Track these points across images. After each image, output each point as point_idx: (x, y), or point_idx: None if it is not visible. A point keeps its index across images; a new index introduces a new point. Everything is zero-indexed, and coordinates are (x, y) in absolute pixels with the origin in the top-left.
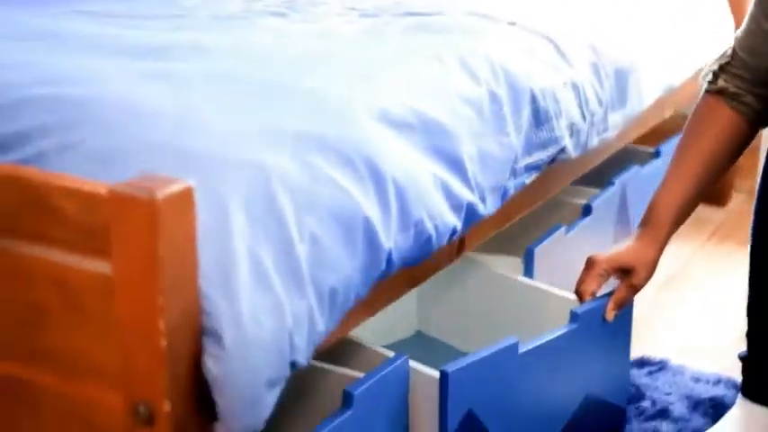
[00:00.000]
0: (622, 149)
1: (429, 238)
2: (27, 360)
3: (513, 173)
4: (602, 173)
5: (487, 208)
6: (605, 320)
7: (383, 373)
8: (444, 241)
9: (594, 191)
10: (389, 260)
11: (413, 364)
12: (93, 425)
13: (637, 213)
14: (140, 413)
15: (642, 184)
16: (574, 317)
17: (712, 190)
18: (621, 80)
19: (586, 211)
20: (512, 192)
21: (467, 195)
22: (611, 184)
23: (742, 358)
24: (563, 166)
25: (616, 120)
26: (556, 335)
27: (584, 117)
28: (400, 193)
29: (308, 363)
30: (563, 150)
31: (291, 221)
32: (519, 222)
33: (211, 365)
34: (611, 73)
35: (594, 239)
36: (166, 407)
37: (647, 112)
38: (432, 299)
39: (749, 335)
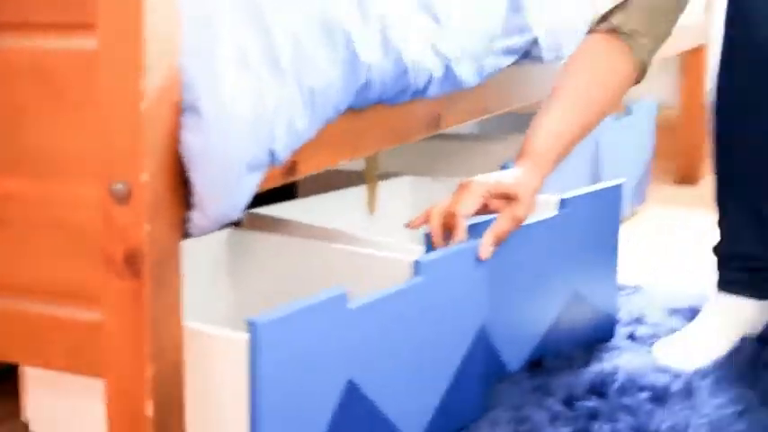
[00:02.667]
0: None
1: (406, 71)
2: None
3: (491, 50)
4: None
5: (464, 75)
6: (479, 259)
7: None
8: (421, 84)
9: None
10: (369, 79)
11: None
12: (68, 225)
13: (609, 165)
14: (117, 191)
15: (616, 135)
16: (417, 267)
17: (686, 171)
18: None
19: None
20: (489, 70)
21: (444, 46)
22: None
23: (714, 250)
24: (538, 72)
25: None
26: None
27: (559, 21)
28: (382, 19)
29: (286, 159)
30: (536, 43)
31: (273, 17)
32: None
33: (189, 138)
34: None
35: (567, 181)
36: (143, 178)
37: None
38: None
39: (719, 223)
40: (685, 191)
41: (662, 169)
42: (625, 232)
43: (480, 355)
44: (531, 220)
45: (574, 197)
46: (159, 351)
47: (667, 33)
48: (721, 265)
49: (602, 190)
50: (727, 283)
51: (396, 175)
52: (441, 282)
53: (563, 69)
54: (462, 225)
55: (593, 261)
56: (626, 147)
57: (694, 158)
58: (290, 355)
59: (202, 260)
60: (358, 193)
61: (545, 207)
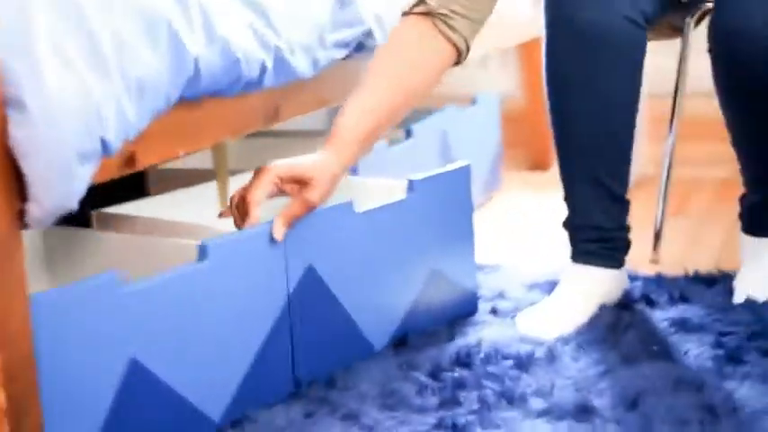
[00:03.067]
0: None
1: (237, 62)
2: None
3: (323, 43)
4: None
5: (299, 66)
6: (273, 239)
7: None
8: (255, 74)
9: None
10: (197, 69)
11: None
12: None
13: (459, 155)
14: None
15: (463, 125)
16: (202, 250)
17: (536, 158)
18: None
19: (408, 133)
20: (323, 63)
21: (273, 39)
22: (431, 113)
23: (564, 225)
24: None
25: None
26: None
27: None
28: (203, 10)
29: (119, 148)
30: (370, 35)
31: (91, 12)
32: None
33: (16, 132)
34: None
35: (416, 163)
36: None
37: None
38: None
39: (565, 198)
40: (538, 177)
41: (514, 158)
42: (482, 216)
43: (286, 335)
44: (380, 203)
45: (422, 179)
46: (8, 339)
47: (486, 14)
48: (572, 239)
49: (450, 171)
50: (580, 255)
51: (245, 171)
52: (229, 264)
53: (375, 53)
54: (253, 211)
55: (450, 240)
56: (474, 136)
57: (543, 146)
58: (68, 334)
59: None
60: (210, 188)
61: (395, 191)
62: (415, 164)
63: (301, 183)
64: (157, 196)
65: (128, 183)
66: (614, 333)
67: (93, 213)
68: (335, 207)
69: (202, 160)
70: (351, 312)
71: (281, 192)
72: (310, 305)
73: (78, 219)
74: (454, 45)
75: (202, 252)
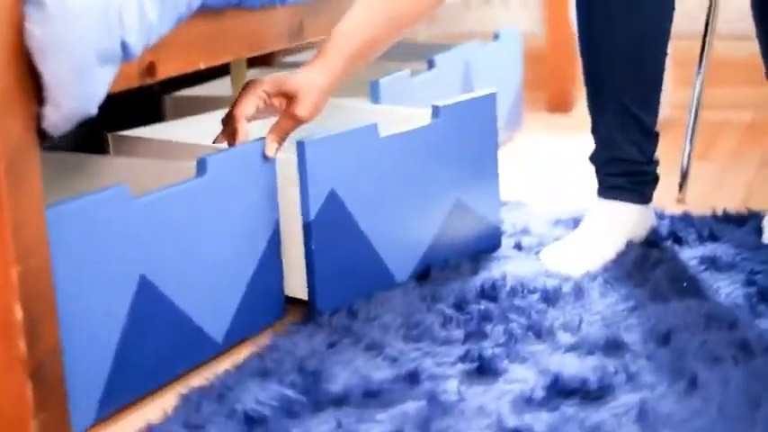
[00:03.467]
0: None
1: None
2: None
3: None
4: None
5: None
6: (266, 158)
7: (241, 147)
8: None
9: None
10: None
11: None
12: None
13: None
14: None
15: (485, 60)
16: (200, 165)
17: (558, 99)
18: None
19: (430, 64)
20: None
21: None
22: (450, 48)
23: (591, 158)
24: None
25: None
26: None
27: None
28: None
29: (142, 52)
30: None
31: None
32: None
33: (34, 29)
34: None
35: (438, 94)
36: None
37: None
38: None
39: (593, 131)
40: (559, 119)
41: (534, 99)
42: (504, 154)
43: (277, 256)
44: (403, 128)
45: (447, 105)
46: (23, 252)
47: None
48: (600, 172)
49: (475, 98)
50: (608, 189)
51: None
52: (225, 179)
53: None
54: (242, 127)
55: (474, 170)
56: (496, 72)
57: (565, 87)
58: (80, 248)
59: None
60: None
61: (419, 119)
62: (436, 95)
63: (289, 97)
64: (174, 121)
65: (143, 108)
66: (642, 270)
67: (109, 135)
68: (359, 130)
69: (218, 87)
70: (372, 241)
71: (269, 107)
72: (331, 231)
73: (91, 143)
74: None
75: (201, 166)
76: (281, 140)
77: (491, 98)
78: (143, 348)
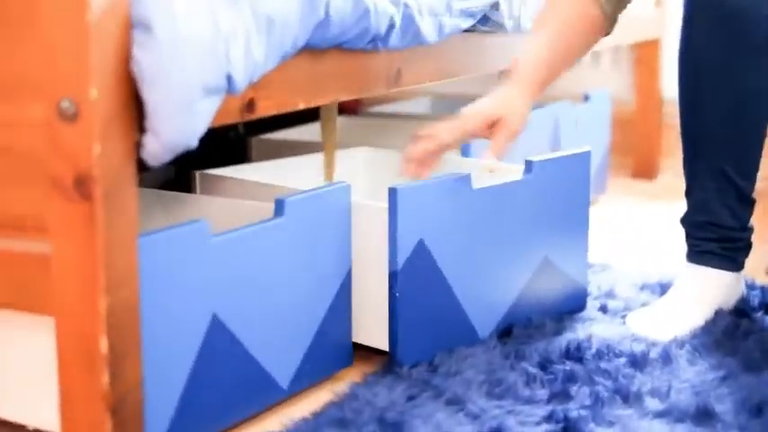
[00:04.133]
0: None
1: (367, 11)
2: None
3: (450, 9)
4: None
5: (425, 29)
6: (495, 154)
7: (321, 191)
8: (383, 29)
9: None
10: (327, 15)
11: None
12: (12, 149)
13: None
14: (64, 109)
15: (574, 120)
16: (278, 206)
17: (643, 166)
18: None
19: None
20: (448, 30)
21: None
22: (542, 106)
23: (683, 221)
24: (500, 42)
25: None
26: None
27: None
28: None
29: (245, 88)
30: (496, 7)
31: None
32: None
33: (141, 56)
34: None
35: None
36: (93, 95)
37: None
38: None
39: (687, 193)
40: (643, 185)
41: (619, 164)
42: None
43: (347, 303)
44: (496, 182)
45: (541, 161)
46: (114, 283)
47: None
48: (691, 236)
49: (569, 156)
50: (698, 254)
51: (351, 146)
52: (301, 222)
53: (543, 7)
54: (439, 151)
55: (564, 228)
56: (584, 133)
57: (651, 154)
58: (161, 282)
59: None
60: (313, 159)
61: (511, 172)
62: (525, 150)
63: (492, 123)
64: (260, 162)
65: (229, 150)
66: (732, 339)
67: (197, 173)
68: (452, 180)
69: (302, 132)
70: (457, 294)
71: (469, 136)
72: (417, 282)
73: (177, 182)
74: (605, 14)
75: (279, 208)
76: (502, 155)
77: (585, 157)
78: (209, 388)
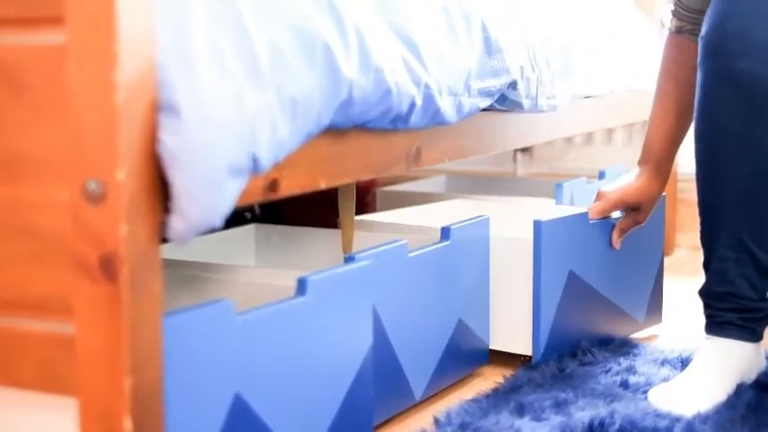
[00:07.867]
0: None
1: (389, 91)
2: None
3: (468, 89)
4: None
5: (445, 108)
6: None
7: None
8: (404, 109)
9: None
10: (351, 95)
11: None
12: (38, 230)
13: None
14: (91, 191)
15: (590, 196)
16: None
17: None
18: (567, 55)
19: None
20: (467, 110)
21: (423, 75)
22: (560, 186)
23: (701, 293)
24: (516, 121)
25: (563, 89)
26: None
27: (532, 68)
28: (360, 37)
29: (268, 168)
30: (514, 87)
31: (250, 22)
32: None
33: (168, 138)
34: (556, 47)
35: None
36: (120, 176)
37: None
38: None
39: (705, 265)
40: None
41: None
42: None
43: (368, 381)
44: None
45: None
46: (138, 363)
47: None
48: (710, 307)
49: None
50: (717, 325)
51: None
52: (324, 300)
53: (659, 78)
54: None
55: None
56: None
57: (667, 229)
58: (183, 355)
59: None
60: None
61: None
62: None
63: (632, 206)
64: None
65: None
66: (756, 414)
67: None
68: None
69: None
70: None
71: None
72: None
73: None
74: (694, 35)
75: (301, 286)
76: (623, 236)
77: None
78: None
